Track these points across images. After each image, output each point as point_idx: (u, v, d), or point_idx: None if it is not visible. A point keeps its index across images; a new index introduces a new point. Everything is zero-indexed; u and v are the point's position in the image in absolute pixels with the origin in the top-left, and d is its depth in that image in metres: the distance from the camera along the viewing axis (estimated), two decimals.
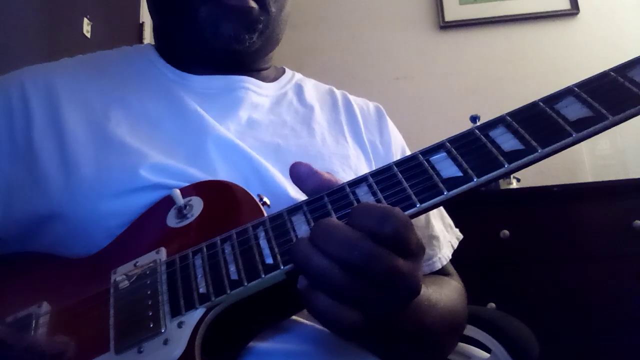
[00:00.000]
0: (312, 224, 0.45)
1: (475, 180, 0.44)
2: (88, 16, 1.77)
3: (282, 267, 0.44)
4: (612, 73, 0.46)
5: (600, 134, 0.44)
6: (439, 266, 0.77)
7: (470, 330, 1.04)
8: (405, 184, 0.45)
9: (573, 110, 0.45)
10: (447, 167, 0.45)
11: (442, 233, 0.80)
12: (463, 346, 1.03)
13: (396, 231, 0.41)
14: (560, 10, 2.37)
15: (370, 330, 0.44)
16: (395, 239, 0.41)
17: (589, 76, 0.47)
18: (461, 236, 0.83)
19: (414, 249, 0.42)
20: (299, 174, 0.50)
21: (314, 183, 0.49)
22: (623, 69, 0.46)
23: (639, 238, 1.65)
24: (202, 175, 0.60)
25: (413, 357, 0.61)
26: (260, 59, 0.79)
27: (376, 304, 0.41)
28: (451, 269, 0.81)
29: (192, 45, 0.73)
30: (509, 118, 0.47)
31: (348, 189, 0.47)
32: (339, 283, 0.40)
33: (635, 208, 1.68)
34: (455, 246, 0.82)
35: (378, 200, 0.45)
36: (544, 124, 0.45)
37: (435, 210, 0.81)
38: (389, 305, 0.42)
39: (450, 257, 0.80)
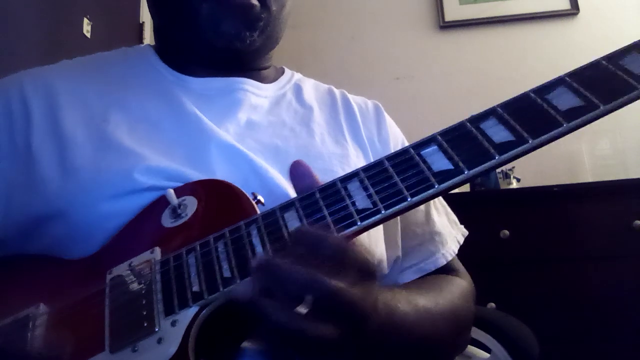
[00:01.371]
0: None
1: (466, 172, 0.44)
2: (88, 16, 1.78)
3: None
4: (604, 62, 0.46)
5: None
6: (443, 262, 0.76)
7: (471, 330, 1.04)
8: (397, 178, 0.45)
9: (564, 100, 0.44)
10: (438, 160, 0.45)
11: (446, 229, 0.79)
12: None
13: (331, 257, 0.41)
14: (560, 10, 2.37)
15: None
16: (332, 263, 0.41)
17: None
18: (466, 232, 0.83)
19: (353, 272, 0.42)
20: (297, 172, 0.50)
21: (307, 184, 0.49)
22: (614, 58, 0.46)
23: (639, 238, 1.65)
24: (200, 177, 0.60)
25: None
26: (260, 58, 0.79)
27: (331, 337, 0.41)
28: (458, 265, 0.80)
29: (192, 44, 0.73)
30: (499, 110, 0.46)
31: (340, 185, 0.47)
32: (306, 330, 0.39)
33: (635, 208, 1.68)
34: (461, 242, 0.81)
35: (369, 195, 0.45)
36: (535, 115, 0.45)
37: (439, 206, 0.81)
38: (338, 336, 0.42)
39: (456, 252, 0.79)
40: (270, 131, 0.71)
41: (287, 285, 0.40)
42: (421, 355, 0.60)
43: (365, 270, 0.43)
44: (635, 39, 0.48)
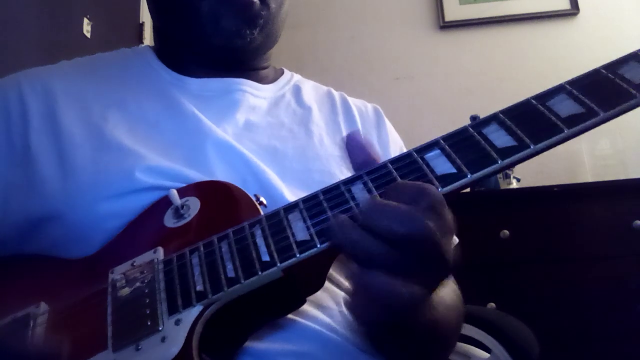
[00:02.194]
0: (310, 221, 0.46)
1: (469, 176, 0.44)
2: (88, 16, 1.78)
3: (278, 265, 0.44)
4: (603, 70, 0.47)
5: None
6: None
7: (470, 330, 1.05)
8: None
9: (565, 107, 0.45)
10: (441, 164, 0.46)
11: None
12: (463, 346, 1.03)
13: (432, 207, 0.42)
14: (560, 10, 2.37)
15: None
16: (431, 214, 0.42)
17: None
18: (457, 240, 0.84)
19: (449, 225, 0.43)
20: (355, 142, 0.50)
21: (365, 156, 0.49)
22: (614, 66, 0.47)
23: (639, 238, 1.65)
24: (199, 177, 0.60)
25: (426, 355, 0.61)
26: (259, 57, 0.79)
27: (421, 278, 0.42)
28: None
29: (192, 42, 0.73)
30: (501, 115, 0.47)
31: (343, 187, 0.47)
32: (392, 259, 0.41)
33: (635, 208, 1.68)
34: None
35: (373, 198, 0.45)
36: (536, 121, 0.45)
37: None
38: (428, 279, 0.44)
39: None
40: (268, 132, 0.71)
41: (390, 221, 0.41)
42: (434, 343, 0.60)
43: (453, 227, 0.44)
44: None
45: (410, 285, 0.41)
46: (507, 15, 2.39)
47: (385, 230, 0.41)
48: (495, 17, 2.40)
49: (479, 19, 2.41)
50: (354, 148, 0.50)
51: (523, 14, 2.39)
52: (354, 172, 0.49)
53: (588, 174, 2.11)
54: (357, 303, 0.43)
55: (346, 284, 0.63)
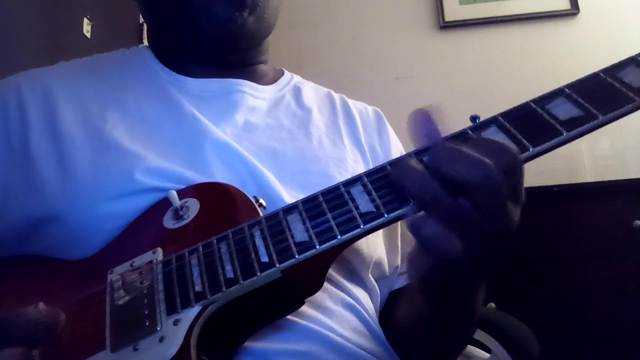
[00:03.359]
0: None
1: None
2: (88, 16, 1.78)
3: (277, 265, 0.44)
4: (602, 74, 0.47)
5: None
6: None
7: None
8: None
9: (564, 110, 0.46)
10: None
11: None
12: None
13: (508, 167, 0.43)
14: (560, 10, 2.37)
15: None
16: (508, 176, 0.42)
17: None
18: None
19: (520, 191, 0.45)
20: (417, 121, 0.49)
21: (428, 132, 0.49)
22: (612, 70, 0.47)
23: (639, 238, 1.65)
24: (199, 178, 0.60)
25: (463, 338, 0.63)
26: (255, 49, 0.78)
27: (479, 236, 0.43)
28: None
29: (187, 37, 0.73)
30: (501, 118, 0.47)
31: (343, 189, 0.48)
32: (453, 207, 0.41)
33: (635, 208, 1.69)
34: None
35: (372, 199, 0.46)
36: (535, 124, 0.46)
37: None
38: (483, 245, 0.44)
39: None
40: (268, 133, 0.71)
41: (460, 166, 0.41)
42: (471, 329, 0.63)
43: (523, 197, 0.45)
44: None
45: (463, 244, 0.41)
46: (507, 15, 2.39)
47: (454, 174, 0.41)
48: (495, 17, 2.40)
49: (479, 19, 2.41)
50: (419, 123, 0.49)
51: (523, 14, 2.39)
52: (417, 146, 0.49)
53: (588, 174, 2.11)
54: (416, 255, 0.44)
55: (346, 284, 0.63)
